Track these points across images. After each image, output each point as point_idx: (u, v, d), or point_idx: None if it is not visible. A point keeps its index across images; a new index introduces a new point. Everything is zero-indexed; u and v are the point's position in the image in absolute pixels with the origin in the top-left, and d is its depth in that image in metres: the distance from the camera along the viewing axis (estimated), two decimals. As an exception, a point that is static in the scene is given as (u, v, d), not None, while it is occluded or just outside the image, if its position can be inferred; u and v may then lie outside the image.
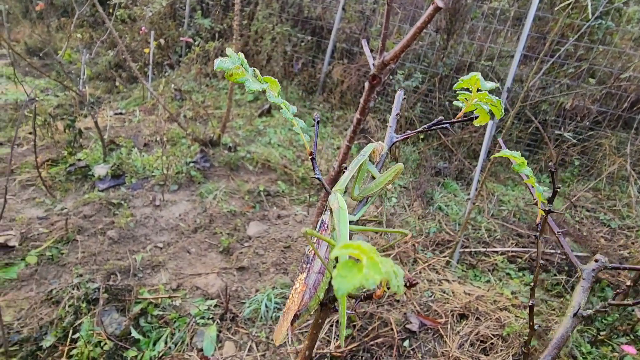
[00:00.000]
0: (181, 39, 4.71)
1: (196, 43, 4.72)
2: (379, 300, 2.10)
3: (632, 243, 2.88)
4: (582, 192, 3.55)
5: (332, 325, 1.89)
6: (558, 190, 0.56)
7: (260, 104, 4.41)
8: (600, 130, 3.86)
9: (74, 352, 1.58)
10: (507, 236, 2.83)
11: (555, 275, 2.43)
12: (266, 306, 1.93)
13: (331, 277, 0.49)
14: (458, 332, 1.92)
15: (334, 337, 1.84)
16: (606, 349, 1.87)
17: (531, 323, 0.58)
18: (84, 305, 1.79)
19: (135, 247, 2.29)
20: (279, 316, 1.91)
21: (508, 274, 2.42)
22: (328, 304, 0.49)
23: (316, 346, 1.78)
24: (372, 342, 1.81)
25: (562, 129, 3.88)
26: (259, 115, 4.14)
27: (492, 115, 0.56)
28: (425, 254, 2.56)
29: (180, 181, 2.97)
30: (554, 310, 2.11)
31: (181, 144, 3.44)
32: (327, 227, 0.51)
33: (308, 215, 2.77)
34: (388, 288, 0.36)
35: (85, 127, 3.58)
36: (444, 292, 2.19)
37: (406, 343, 1.85)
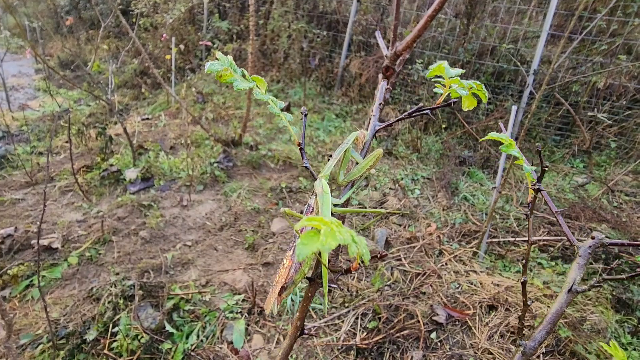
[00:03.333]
0: (200, 43, 4.83)
1: (215, 46, 4.82)
2: (404, 293, 2.09)
3: (678, 228, 2.69)
4: (620, 175, 3.35)
5: (357, 318, 1.91)
6: (546, 169, 0.54)
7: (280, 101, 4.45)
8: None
9: (115, 344, 1.68)
10: (538, 224, 2.73)
11: (591, 263, 2.32)
12: (292, 300, 1.97)
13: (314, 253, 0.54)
14: (487, 323, 1.88)
15: (360, 330, 1.85)
16: (649, 339, 1.77)
17: (524, 299, 0.59)
18: (121, 301, 1.90)
19: (165, 246, 2.40)
20: (304, 309, 1.95)
21: (540, 263, 2.34)
22: (316, 279, 0.55)
23: (342, 338, 1.80)
24: (398, 334, 1.81)
25: (596, 110, 3.67)
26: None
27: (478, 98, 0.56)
28: (451, 245, 2.51)
29: (206, 181, 3.07)
30: (590, 300, 2.02)
31: (205, 145, 3.55)
32: (312, 209, 0.55)
33: (330, 210, 2.78)
34: (362, 262, 0.38)
35: (115, 134, 3.77)
36: (472, 284, 2.15)
37: (433, 335, 1.84)
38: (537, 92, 3.66)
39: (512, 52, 3.94)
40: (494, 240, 2.55)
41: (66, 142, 3.60)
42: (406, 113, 0.55)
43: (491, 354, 1.74)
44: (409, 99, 4.25)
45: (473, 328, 1.87)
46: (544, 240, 2.51)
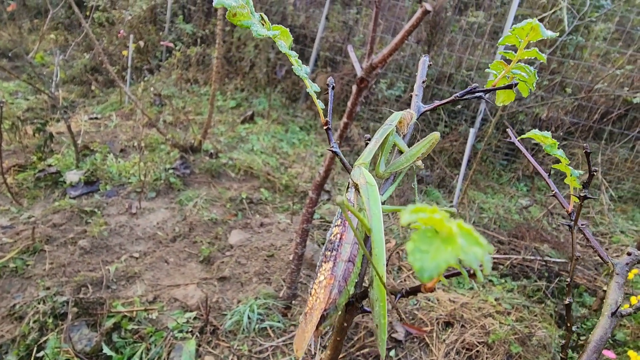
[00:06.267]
0: (162, 43, 4.61)
1: (177, 48, 4.63)
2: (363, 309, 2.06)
3: (606, 249, 2.97)
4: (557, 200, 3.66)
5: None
6: (594, 174, 0.53)
7: (243, 110, 4.35)
8: (573, 140, 4.02)
9: (38, 372, 1.46)
10: (489, 243, 2.87)
11: (535, 281, 2.46)
12: (249, 317, 1.86)
13: (365, 266, 0.42)
14: (444, 340, 1.90)
15: (320, 349, 1.78)
16: (587, 353, 1.89)
17: (568, 324, 0.55)
18: (50, 320, 1.66)
19: (109, 258, 2.17)
20: (262, 327, 1.84)
21: (491, 280, 2.44)
22: (355, 303, 0.41)
23: (301, 358, 1.71)
24: (358, 353, 1.77)
25: (538, 138, 4.02)
26: (241, 122, 4.08)
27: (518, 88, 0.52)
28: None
29: (159, 188, 2.86)
30: (535, 316, 2.14)
31: (160, 150, 3.34)
32: (354, 206, 0.44)
33: (292, 223, 2.71)
34: (446, 277, 0.29)
35: (57, 132, 3.42)
36: (429, 300, 2.18)
37: (392, 353, 1.82)
38: (488, 118, 3.94)
39: (467, 78, 4.22)
40: (449, 257, 2.63)
41: (-4, 137, 3.19)
42: (457, 94, 0.51)
43: (448, 371, 1.75)
44: (371, 117, 4.36)
45: (430, 345, 1.88)
46: (494, 258, 2.64)
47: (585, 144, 0.51)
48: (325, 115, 0.47)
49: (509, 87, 0.47)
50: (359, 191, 0.43)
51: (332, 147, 0.46)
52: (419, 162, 0.47)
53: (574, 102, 4.05)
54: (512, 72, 0.49)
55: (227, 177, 3.20)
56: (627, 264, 0.51)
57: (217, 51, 3.00)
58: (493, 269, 2.57)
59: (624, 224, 3.33)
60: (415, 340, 1.92)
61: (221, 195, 2.91)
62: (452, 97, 0.50)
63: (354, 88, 1.29)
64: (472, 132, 2.37)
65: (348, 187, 0.45)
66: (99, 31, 5.06)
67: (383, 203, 0.47)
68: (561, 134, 4.06)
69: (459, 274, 0.30)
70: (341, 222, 0.44)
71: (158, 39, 4.91)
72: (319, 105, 0.47)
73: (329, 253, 0.43)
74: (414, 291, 0.34)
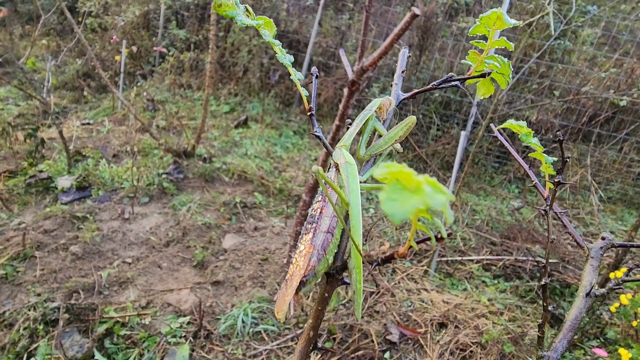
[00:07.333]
0: (155, 48, 4.62)
1: (170, 53, 4.64)
2: (358, 312, 2.07)
3: (597, 249, 3.01)
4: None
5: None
6: (567, 160, 0.55)
7: (237, 115, 4.36)
8: (563, 143, 4.08)
9: (29, 379, 1.44)
10: (481, 245, 2.90)
11: (528, 281, 2.49)
12: (243, 321, 1.85)
13: (346, 241, 0.44)
14: (438, 341, 1.91)
15: (314, 352, 1.78)
16: (579, 352, 1.91)
17: (545, 304, 0.57)
18: (41, 327, 1.64)
19: (101, 263, 2.15)
20: (257, 331, 1.83)
21: (484, 281, 2.46)
22: (335, 275, 0.43)
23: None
24: (352, 355, 1.77)
25: (529, 141, 4.08)
26: (235, 127, 4.08)
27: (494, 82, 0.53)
28: (404, 263, 2.56)
29: (152, 193, 2.85)
30: (528, 315, 2.16)
31: (153, 155, 3.32)
32: (334, 183, 0.47)
33: (286, 227, 2.72)
34: (417, 243, 0.32)
35: (48, 138, 3.39)
36: (423, 302, 2.19)
37: (387, 355, 1.82)
38: (479, 122, 3.99)
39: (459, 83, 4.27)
40: (443, 259, 2.65)
41: (-14, 143, 3.16)
42: (434, 82, 0.53)
43: (442, 371, 1.76)
44: (365, 121, 4.39)
45: (425, 346, 1.89)
46: (487, 259, 2.66)
47: (558, 131, 0.53)
48: (309, 103, 0.49)
49: (482, 76, 0.49)
50: (339, 170, 0.44)
51: (316, 131, 0.48)
52: (397, 146, 0.49)
53: (562, 105, 4.13)
54: (485, 63, 0.51)
55: (221, 181, 3.20)
56: (601, 247, 0.54)
57: (211, 56, 3.02)
58: (486, 270, 2.60)
59: (613, 224, 3.39)
60: (409, 341, 1.93)
61: (215, 200, 2.90)
62: (430, 86, 0.52)
63: (345, 91, 1.30)
64: (463, 135, 2.40)
65: (329, 168, 0.47)
66: (92, 37, 5.05)
67: (364, 182, 0.49)
68: (551, 136, 4.12)
69: (428, 239, 0.33)
70: (322, 198, 0.46)
71: (151, 44, 4.91)
72: (303, 92, 0.48)
73: (309, 226, 0.45)
74: (388, 259, 0.38)
